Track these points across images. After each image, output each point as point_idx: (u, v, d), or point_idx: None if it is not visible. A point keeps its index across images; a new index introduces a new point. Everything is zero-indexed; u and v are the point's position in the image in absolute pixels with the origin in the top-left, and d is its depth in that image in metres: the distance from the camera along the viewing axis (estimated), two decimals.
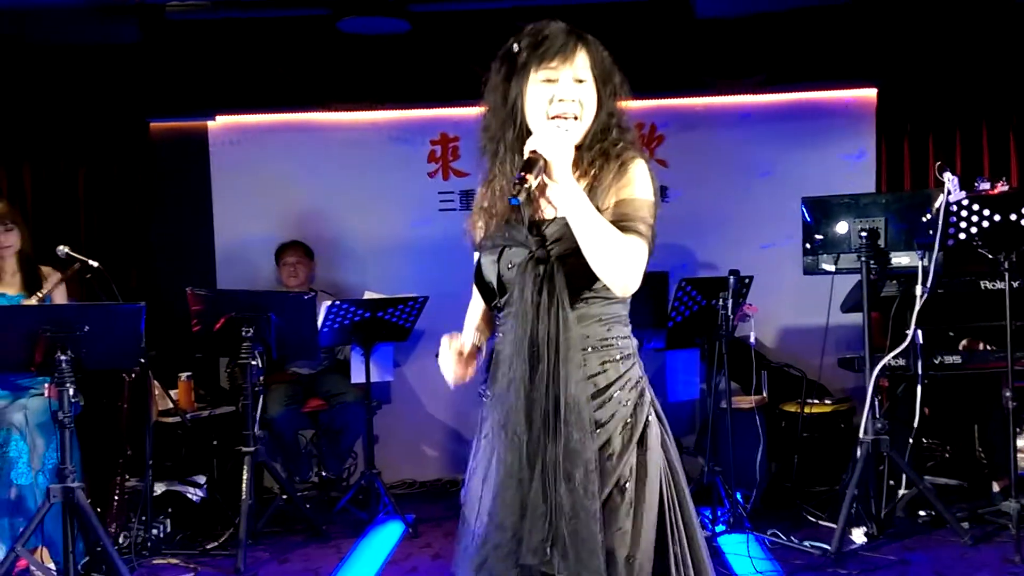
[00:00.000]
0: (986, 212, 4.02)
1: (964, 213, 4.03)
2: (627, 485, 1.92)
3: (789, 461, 5.00)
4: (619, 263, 1.87)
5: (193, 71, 5.65)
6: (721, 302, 4.51)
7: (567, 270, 1.93)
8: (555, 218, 1.98)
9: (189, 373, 5.01)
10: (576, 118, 1.96)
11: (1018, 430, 4.23)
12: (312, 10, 5.18)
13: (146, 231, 5.91)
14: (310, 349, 4.65)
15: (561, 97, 1.94)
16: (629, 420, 1.97)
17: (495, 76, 2.01)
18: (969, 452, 4.89)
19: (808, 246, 4.41)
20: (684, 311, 4.57)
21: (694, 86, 5.70)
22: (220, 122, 5.98)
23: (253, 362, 4.29)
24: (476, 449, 2.07)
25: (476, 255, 2.11)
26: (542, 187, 1.97)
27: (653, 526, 1.92)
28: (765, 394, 5.13)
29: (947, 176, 4.05)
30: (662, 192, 5.91)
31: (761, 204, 5.81)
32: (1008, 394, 4.06)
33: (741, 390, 5.15)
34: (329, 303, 4.75)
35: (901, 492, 4.46)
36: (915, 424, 4.35)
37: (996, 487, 4.56)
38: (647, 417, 1.99)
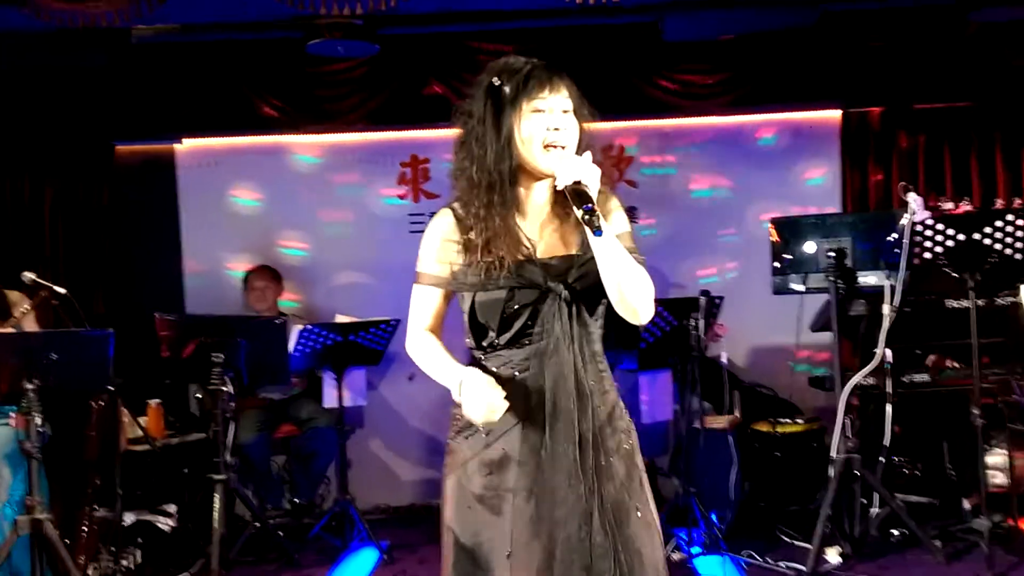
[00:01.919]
0: (950, 231, 4.09)
1: (929, 233, 4.11)
2: (639, 507, 2.05)
3: (763, 481, 5.03)
4: (646, 294, 1.97)
5: (160, 94, 5.62)
6: (692, 323, 4.54)
7: (579, 309, 2.01)
8: (567, 255, 2.02)
9: (159, 400, 4.96)
10: (565, 147, 2.01)
11: (986, 447, 4.30)
12: (281, 33, 5.18)
13: (113, 255, 5.85)
14: (281, 374, 4.63)
15: (555, 126, 1.99)
16: (626, 447, 2.08)
17: (478, 109, 2.02)
18: (939, 470, 4.95)
19: (777, 266, 4.47)
20: (656, 332, 4.60)
21: (662, 108, 5.76)
22: (187, 145, 5.95)
23: (224, 388, 4.26)
24: (482, 499, 2.02)
25: (429, 290, 2.09)
26: (555, 224, 2.03)
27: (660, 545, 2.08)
28: (738, 414, 5.16)
29: (911, 196, 4.12)
30: (631, 213, 5.94)
31: (730, 225, 5.88)
32: (976, 411, 4.12)
33: (713, 410, 5.18)
34: (301, 327, 4.73)
35: (874, 511, 4.51)
36: (886, 442, 4.41)
37: (967, 504, 4.62)
38: (633, 441, 2.11)
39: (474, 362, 2.08)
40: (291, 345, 4.65)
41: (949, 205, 4.30)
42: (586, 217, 1.86)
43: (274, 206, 5.95)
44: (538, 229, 2.05)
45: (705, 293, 4.62)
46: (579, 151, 2.01)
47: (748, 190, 5.90)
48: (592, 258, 1.97)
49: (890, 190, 5.77)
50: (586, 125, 2.05)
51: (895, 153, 5.87)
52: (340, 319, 4.98)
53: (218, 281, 5.85)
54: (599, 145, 2.06)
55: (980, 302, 4.18)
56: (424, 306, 2.13)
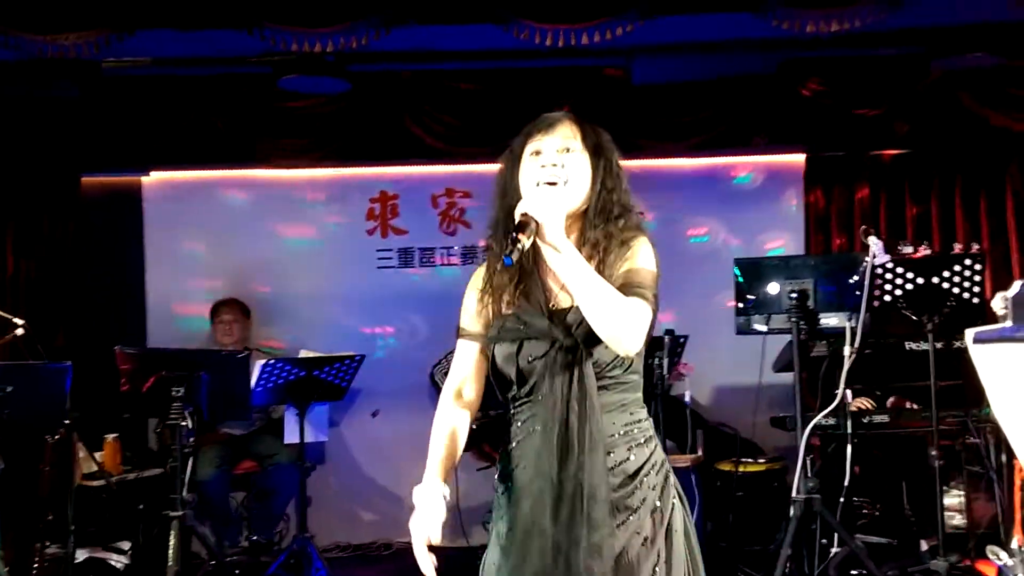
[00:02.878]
0: (910, 275, 4.14)
1: (889, 276, 4.15)
2: (657, 570, 1.95)
3: (725, 520, 5.01)
4: (620, 321, 1.86)
5: (128, 126, 5.58)
6: (657, 361, 4.54)
7: (593, 358, 1.96)
8: (573, 306, 1.98)
9: (116, 434, 4.86)
10: (565, 182, 1.97)
11: (944, 488, 4.31)
12: (252, 68, 5.17)
13: (76, 288, 5.77)
14: (242, 409, 4.55)
15: (543, 163, 1.98)
16: (658, 504, 1.99)
17: (503, 164, 2.07)
18: (898, 510, 4.96)
19: (741, 306, 4.48)
20: None
21: (630, 149, 5.77)
22: (155, 177, 5.91)
23: (183, 423, 4.17)
24: (493, 543, 2.06)
25: (467, 344, 2.09)
26: (555, 275, 1.99)
27: None
28: (701, 452, 5.15)
29: (872, 240, 4.16)
30: None
31: (694, 265, 5.91)
32: (934, 452, 4.14)
33: (677, 448, 5.16)
34: (264, 362, 4.68)
35: (833, 551, 4.49)
36: (846, 483, 4.41)
37: (924, 545, 4.62)
38: (673, 500, 2.02)
39: (510, 416, 2.06)
40: (254, 380, 4.59)
41: (909, 249, 4.34)
42: (505, 242, 1.84)
43: (241, 239, 5.92)
44: (553, 279, 2.02)
45: (669, 332, 4.62)
46: (599, 193, 1.99)
47: (713, 230, 5.96)
48: None
49: (852, 232, 5.83)
50: (604, 172, 2.01)
51: (856, 195, 5.94)
52: (304, 354, 4.94)
53: (183, 314, 5.78)
54: (624, 181, 2.04)
55: (938, 344, 4.21)
56: (459, 363, 2.12)
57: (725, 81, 5.43)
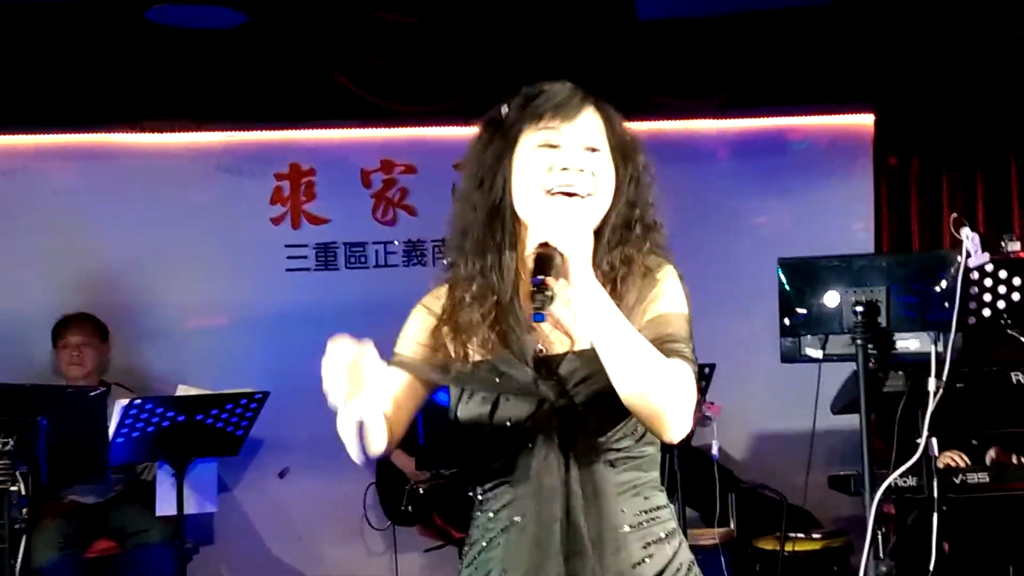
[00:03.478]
0: (1016, 281, 4.17)
1: (988, 282, 4.18)
2: None
3: None
4: (668, 397, 1.86)
5: None
6: None
7: (596, 424, 1.95)
8: (570, 353, 1.97)
9: None
10: (589, 195, 1.96)
11: None
12: None
13: None
14: (97, 468, 4.53)
15: (565, 165, 1.95)
16: None
17: (474, 148, 2.03)
18: None
19: (787, 324, 4.50)
20: None
21: (636, 107, 5.81)
22: None
23: (13, 487, 4.15)
24: None
25: (397, 372, 2.06)
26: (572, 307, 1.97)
27: None
28: (733, 525, 5.18)
29: (965, 232, 4.19)
30: None
31: (724, 266, 5.94)
32: None
33: (701, 520, 5.19)
34: (126, 402, 4.64)
35: None
36: (931, 565, 4.44)
37: None
38: None
39: (477, 504, 2.06)
40: (112, 427, 4.56)
41: (1016, 246, 4.39)
42: (533, 291, 1.83)
43: (100, 231, 5.89)
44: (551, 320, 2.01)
45: None
46: (620, 208, 2.00)
47: (748, 219, 6.00)
48: (586, 353, 1.93)
49: (939, 223, 5.89)
50: (630, 181, 2.02)
51: (945, 174, 6.00)
52: (184, 391, 4.91)
53: (19, 334, 5.75)
54: (652, 192, 2.06)
55: None
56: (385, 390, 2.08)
57: (761, 16, 5.47)
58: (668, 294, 2.00)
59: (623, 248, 2.01)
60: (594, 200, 1.96)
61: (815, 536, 5.20)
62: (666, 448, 4.50)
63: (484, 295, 1.99)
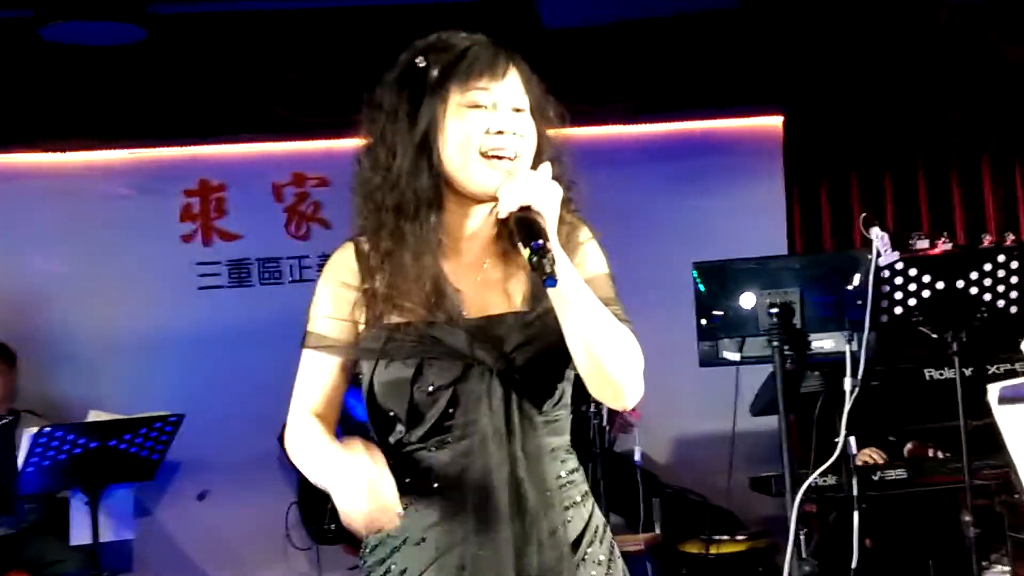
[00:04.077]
0: (926, 278, 4.23)
1: (899, 280, 4.24)
2: None
3: None
4: (630, 364, 1.89)
5: None
6: (593, 407, 4.55)
7: (530, 388, 1.92)
8: (504, 315, 1.94)
9: None
10: (517, 157, 1.93)
11: (984, 564, 4.42)
12: (3, 12, 5.05)
13: None
14: (6, 498, 4.46)
15: (500, 128, 1.91)
16: None
17: (390, 100, 1.96)
18: None
19: (704, 327, 4.52)
20: None
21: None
22: None
23: None
24: None
25: (322, 359, 2.00)
26: (497, 268, 1.96)
27: None
28: (658, 530, 5.18)
29: (875, 232, 4.24)
30: None
31: (638, 271, 5.94)
32: (968, 518, 4.24)
33: (626, 526, 5.20)
34: (35, 430, 4.57)
35: None
36: (853, 563, 4.48)
37: None
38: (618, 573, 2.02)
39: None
40: (21, 456, 4.49)
41: (924, 243, 4.45)
42: (533, 259, 1.78)
43: (1, 253, 5.80)
44: (471, 275, 1.98)
45: None
46: (536, 166, 1.95)
47: (661, 224, 6.02)
48: (542, 316, 1.91)
49: (850, 223, 5.97)
50: (551, 131, 2.00)
51: (855, 174, 6.09)
52: (96, 416, 4.84)
53: None
54: (570, 160, 2.03)
55: (967, 371, 4.32)
56: (311, 380, 2.02)
57: (667, 21, 5.51)
58: (591, 256, 2.02)
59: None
60: (522, 162, 1.94)
61: (739, 538, 5.23)
62: (589, 455, 4.55)
63: (421, 253, 1.92)
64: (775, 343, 4.31)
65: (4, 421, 4.40)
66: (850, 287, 4.31)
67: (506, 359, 1.91)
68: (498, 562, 1.89)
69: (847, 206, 6.07)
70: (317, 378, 2.02)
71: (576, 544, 1.96)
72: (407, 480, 1.93)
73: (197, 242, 5.98)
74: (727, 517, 5.34)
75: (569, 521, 1.96)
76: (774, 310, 4.32)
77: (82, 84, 5.52)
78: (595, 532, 2.00)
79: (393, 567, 1.95)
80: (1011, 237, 4.58)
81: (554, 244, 1.82)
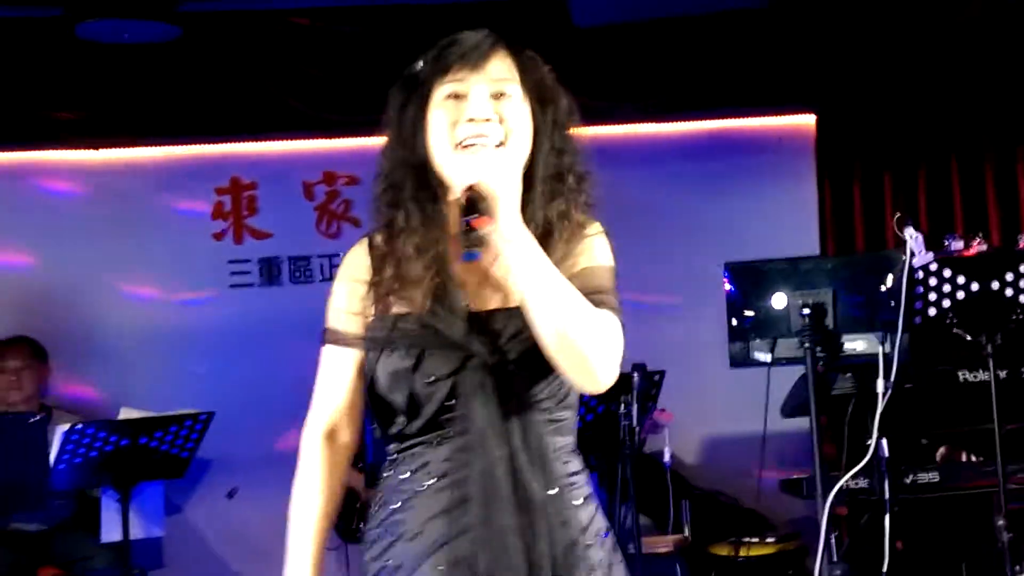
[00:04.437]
0: (960, 279, 4.20)
1: (933, 281, 4.21)
2: None
3: None
4: (596, 347, 1.84)
5: None
6: (623, 407, 4.53)
7: (524, 382, 1.92)
8: (503, 308, 1.94)
9: None
10: (500, 144, 1.91)
11: (1018, 569, 4.38)
12: (39, 11, 5.08)
13: None
14: (37, 496, 4.48)
15: (471, 116, 1.90)
16: None
17: (395, 103, 1.99)
18: None
19: (735, 327, 4.50)
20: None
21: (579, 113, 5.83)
22: None
23: None
24: None
25: (341, 355, 2.02)
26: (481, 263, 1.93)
27: None
28: (687, 532, 5.17)
29: (909, 232, 4.21)
30: None
31: (670, 271, 5.94)
32: (1001, 522, 4.20)
33: (655, 527, 5.18)
34: (67, 427, 4.58)
35: None
36: (884, 567, 4.46)
37: None
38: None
39: (388, 464, 1.99)
40: (53, 453, 4.49)
41: (959, 244, 4.42)
42: (463, 231, 1.81)
43: (36, 250, 5.83)
44: (475, 268, 1.95)
45: (640, 367, 4.62)
46: (546, 157, 1.96)
47: (693, 224, 5.99)
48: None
49: (883, 223, 5.93)
50: (553, 128, 1.97)
51: (888, 173, 6.05)
52: (127, 414, 4.84)
53: None
54: (583, 153, 2.01)
55: (1002, 373, 4.29)
56: (330, 379, 2.04)
57: (698, 20, 5.49)
58: (596, 248, 1.99)
59: (557, 202, 1.98)
60: (508, 149, 1.91)
61: (769, 540, 5.20)
62: (618, 456, 4.53)
63: (427, 247, 1.94)
64: (807, 344, 4.29)
65: (36, 418, 4.42)
66: (883, 288, 4.28)
67: (500, 352, 1.90)
68: (505, 553, 1.87)
69: (880, 205, 6.01)
70: (335, 376, 2.04)
71: (572, 544, 1.94)
72: (407, 475, 1.94)
73: (228, 240, 5.99)
74: (757, 519, 5.32)
75: (568, 522, 1.94)
76: (806, 311, 4.30)
77: (115, 82, 5.55)
78: (597, 533, 1.98)
79: (389, 562, 1.95)
80: None
81: (515, 219, 1.82)
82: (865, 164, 6.07)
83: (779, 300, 4.43)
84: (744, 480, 5.25)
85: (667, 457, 4.98)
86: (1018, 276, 4.18)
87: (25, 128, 5.62)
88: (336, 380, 2.03)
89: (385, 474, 2.00)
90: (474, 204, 1.82)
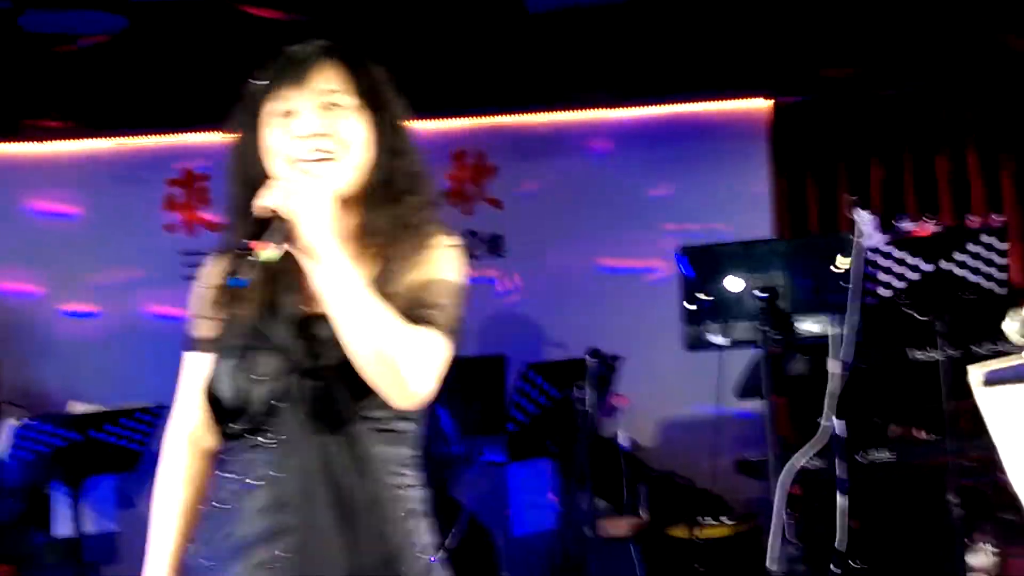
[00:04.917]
0: (912, 260, 4.23)
1: (884, 262, 4.24)
2: None
3: None
4: (404, 364, 1.84)
5: None
6: (579, 393, 4.54)
7: (347, 389, 1.90)
8: (325, 314, 1.92)
9: None
10: (329, 158, 1.92)
11: (968, 543, 4.43)
12: None
13: None
14: None
15: (299, 133, 1.91)
16: None
17: (234, 121, 2.00)
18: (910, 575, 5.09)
19: (690, 310, 4.51)
20: (529, 408, 4.56)
21: (532, 100, 5.82)
22: None
23: None
24: None
25: (198, 360, 2.04)
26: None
27: None
28: (644, 514, 5.19)
29: (860, 214, 4.24)
30: (495, 243, 5.98)
31: (624, 255, 5.96)
32: (953, 498, 4.25)
33: (612, 510, 5.19)
34: (18, 423, 4.57)
35: None
36: (840, 544, 4.49)
37: None
38: None
39: (219, 463, 2.00)
40: (2, 449, 4.49)
41: (910, 225, 4.46)
42: (235, 253, 1.80)
43: None
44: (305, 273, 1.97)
45: (594, 353, 4.63)
46: (380, 161, 1.95)
47: (649, 209, 6.01)
48: None
49: (835, 206, 5.98)
50: (389, 130, 1.98)
51: (841, 159, 6.09)
52: (76, 408, 4.84)
53: None
54: (420, 154, 2.01)
55: (953, 352, 4.33)
56: (190, 384, 2.05)
57: (652, 4, 5.49)
58: (441, 261, 1.98)
59: (394, 209, 1.98)
60: (341, 163, 1.93)
61: (725, 521, 5.22)
62: (575, 440, 4.53)
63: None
64: (760, 326, 4.31)
65: None
66: (835, 269, 4.31)
67: (319, 357, 1.91)
68: (323, 557, 1.89)
69: (833, 190, 6.07)
70: (194, 381, 2.04)
71: (397, 555, 1.94)
72: (231, 474, 1.95)
73: (181, 232, 5.97)
74: (713, 500, 5.34)
75: (387, 535, 1.94)
76: (760, 293, 4.33)
77: (64, 73, 5.51)
78: (412, 543, 1.97)
79: (207, 559, 1.96)
80: (996, 218, 4.58)
81: (320, 235, 1.81)
82: (819, 150, 6.11)
83: (733, 283, 4.44)
84: (700, 462, 5.28)
85: (623, 441, 5.00)
86: (968, 255, 4.22)
87: None
88: (196, 385, 2.03)
89: (216, 472, 2.01)
90: (260, 226, 1.80)
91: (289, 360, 1.92)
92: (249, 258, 1.77)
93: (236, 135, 2.00)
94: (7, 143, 5.82)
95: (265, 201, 1.82)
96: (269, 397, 1.92)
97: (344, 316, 1.84)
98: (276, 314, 1.95)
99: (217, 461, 2.02)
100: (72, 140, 5.89)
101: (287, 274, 1.95)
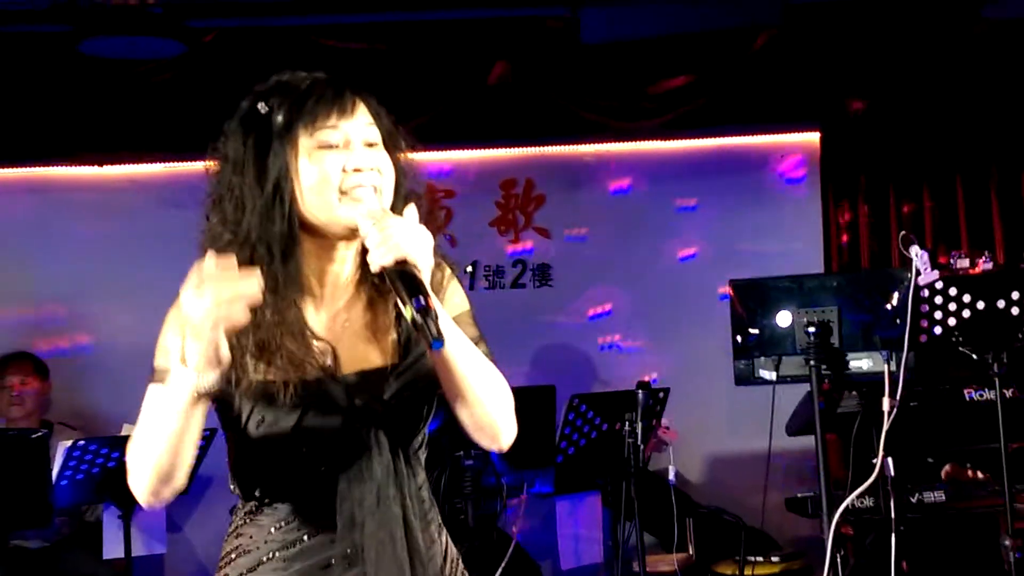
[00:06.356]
0: (966, 298, 4.20)
1: (939, 300, 4.21)
2: None
3: None
4: (505, 405, 1.89)
5: None
6: (628, 426, 4.53)
7: (407, 433, 1.94)
8: (381, 367, 1.93)
9: None
10: (376, 190, 1.88)
11: None
12: (44, 26, 5.09)
13: None
14: (40, 512, 4.46)
15: (357, 166, 1.85)
16: None
17: (235, 149, 1.90)
18: None
19: (740, 345, 4.50)
20: (578, 440, 4.57)
21: (583, 131, 5.84)
22: None
23: None
24: None
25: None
26: (362, 311, 1.94)
27: None
28: (692, 550, 5.17)
29: (914, 250, 4.21)
30: (543, 272, 5.99)
31: (674, 289, 5.95)
32: (1008, 542, 4.20)
33: (659, 546, 5.17)
34: (69, 443, 4.58)
35: None
36: None
37: None
38: None
39: (241, 523, 1.98)
40: (55, 469, 4.50)
41: (965, 262, 4.43)
42: (417, 319, 1.72)
43: (37, 265, 5.83)
44: (336, 322, 1.94)
45: (644, 385, 4.63)
46: (396, 199, 1.91)
47: (700, 240, 6.02)
48: (413, 363, 1.91)
49: (888, 240, 5.94)
50: (405, 163, 1.97)
51: (893, 191, 6.06)
52: (129, 430, 4.82)
53: None
54: (422, 190, 1.99)
55: (1008, 392, 4.29)
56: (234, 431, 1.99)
57: (704, 36, 5.51)
58: (455, 294, 2.00)
59: None
60: (384, 197, 1.89)
61: (774, 559, 5.19)
62: (623, 474, 4.52)
63: (283, 308, 1.87)
64: (812, 362, 4.29)
65: (38, 434, 4.41)
66: (888, 306, 4.29)
67: (388, 409, 1.90)
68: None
69: (885, 223, 6.04)
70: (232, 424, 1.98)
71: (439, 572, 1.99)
72: (280, 526, 1.94)
73: None
74: (762, 538, 5.31)
75: (430, 552, 1.98)
76: (811, 328, 4.30)
77: (120, 98, 5.57)
78: (453, 561, 2.03)
79: None
80: None
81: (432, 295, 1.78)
82: (870, 181, 6.09)
83: (784, 318, 4.42)
84: (749, 499, 5.24)
85: (671, 475, 4.98)
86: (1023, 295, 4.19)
87: (28, 144, 5.63)
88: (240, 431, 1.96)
89: (240, 522, 1.99)
90: (413, 281, 1.75)
91: (351, 417, 1.89)
92: (432, 315, 1.73)
93: (246, 160, 1.88)
94: (61, 166, 5.87)
95: (398, 250, 1.76)
96: (331, 455, 1.89)
97: (457, 364, 1.84)
98: (316, 371, 1.88)
99: (249, 510, 1.99)
100: (126, 164, 5.93)
101: (304, 327, 1.90)
